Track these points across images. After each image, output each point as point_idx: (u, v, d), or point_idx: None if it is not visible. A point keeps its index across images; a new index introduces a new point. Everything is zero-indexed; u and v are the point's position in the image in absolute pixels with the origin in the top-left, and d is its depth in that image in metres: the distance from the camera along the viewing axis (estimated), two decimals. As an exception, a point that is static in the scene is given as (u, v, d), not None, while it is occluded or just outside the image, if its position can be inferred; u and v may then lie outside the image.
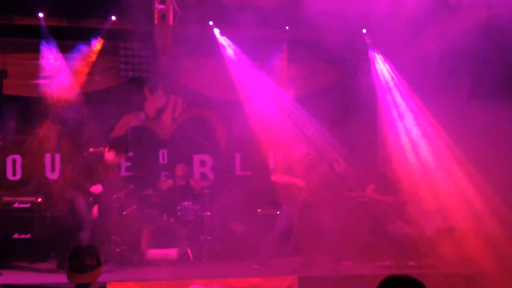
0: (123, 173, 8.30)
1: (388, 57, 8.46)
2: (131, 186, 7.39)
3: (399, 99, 8.40)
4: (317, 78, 8.88)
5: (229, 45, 8.22)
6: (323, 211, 6.79)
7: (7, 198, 7.28)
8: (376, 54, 8.51)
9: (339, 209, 7.06)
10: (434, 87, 7.71)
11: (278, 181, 6.98)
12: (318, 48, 7.93)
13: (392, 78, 8.46)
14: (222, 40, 8.20)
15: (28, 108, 8.08)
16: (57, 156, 8.23)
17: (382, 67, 8.52)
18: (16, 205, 7.17)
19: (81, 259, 3.18)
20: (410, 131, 8.20)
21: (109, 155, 6.72)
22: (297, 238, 6.77)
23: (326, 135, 7.97)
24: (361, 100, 8.46)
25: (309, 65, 8.76)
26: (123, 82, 8.36)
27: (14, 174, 8.16)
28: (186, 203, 7.41)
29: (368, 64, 8.55)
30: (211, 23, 8.01)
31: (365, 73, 8.58)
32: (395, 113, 8.40)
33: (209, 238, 7.32)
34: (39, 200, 7.29)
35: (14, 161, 8.16)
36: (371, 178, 7.55)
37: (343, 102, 8.49)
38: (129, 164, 8.40)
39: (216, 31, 8.13)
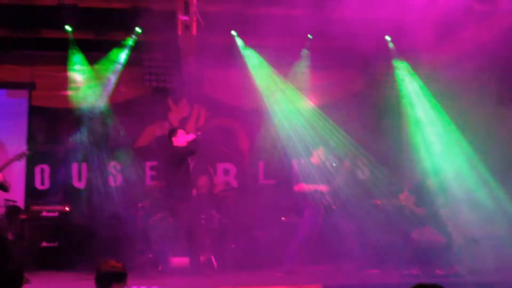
0: (148, 182, 8.39)
1: (414, 64, 8.37)
2: (156, 195, 7.46)
3: (425, 107, 8.29)
4: (341, 86, 8.84)
5: (252, 54, 8.27)
6: (348, 218, 6.73)
7: (35, 207, 7.44)
8: (401, 61, 8.42)
9: (364, 217, 6.99)
10: (461, 93, 7.60)
11: (301, 190, 6.97)
12: (342, 56, 7.91)
13: (418, 86, 8.36)
14: (245, 49, 8.26)
15: (56, 119, 8.28)
16: (84, 166, 8.38)
17: (408, 74, 8.44)
18: (44, 214, 7.32)
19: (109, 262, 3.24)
20: (436, 139, 8.08)
21: None
22: (321, 245, 6.72)
23: (350, 143, 7.92)
24: (386, 108, 8.39)
25: (333, 72, 8.74)
26: (147, 92, 8.48)
27: (42, 183, 8.34)
28: (210, 211, 7.44)
29: (393, 71, 8.47)
30: (233, 32, 8.08)
31: (390, 81, 8.50)
32: (422, 121, 8.31)
33: (233, 246, 7.32)
34: (67, 209, 7.42)
35: (42, 171, 8.35)
36: (403, 186, 7.46)
37: (368, 110, 8.43)
38: (154, 173, 8.50)
39: (239, 40, 8.19)
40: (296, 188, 7.01)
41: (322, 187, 6.79)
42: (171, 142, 6.81)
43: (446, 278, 6.30)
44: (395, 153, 8.47)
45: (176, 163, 6.64)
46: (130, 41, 7.95)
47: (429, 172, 7.55)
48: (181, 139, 6.76)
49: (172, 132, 6.94)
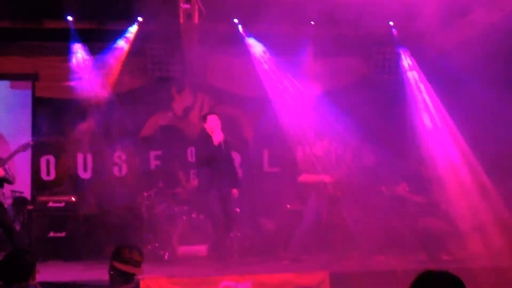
0: (153, 171, 8.41)
1: (417, 50, 8.32)
2: (161, 185, 7.48)
3: (426, 94, 8.26)
4: (344, 72, 8.80)
5: (254, 42, 8.23)
6: (353, 205, 6.73)
7: (42, 198, 7.48)
8: (403, 48, 8.38)
9: (370, 203, 7.00)
10: (464, 79, 7.55)
11: (305, 181, 6.98)
12: (344, 43, 7.86)
13: (420, 72, 8.32)
14: (247, 37, 8.22)
15: (60, 110, 8.28)
16: (89, 156, 8.40)
17: (410, 61, 8.39)
18: (50, 204, 7.34)
19: (134, 253, 3.28)
20: (438, 126, 8.06)
21: None
22: (327, 233, 6.73)
23: (354, 130, 7.89)
24: (389, 94, 8.35)
25: (335, 59, 8.69)
26: (150, 82, 8.47)
27: (48, 174, 8.38)
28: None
29: (396, 57, 8.42)
30: (236, 20, 8.03)
31: (393, 67, 8.46)
32: (423, 108, 8.27)
33: (239, 234, 7.35)
34: (73, 199, 7.46)
35: (48, 162, 8.38)
36: (402, 173, 7.45)
37: (371, 96, 8.39)
38: (158, 162, 8.51)
39: (241, 28, 8.14)
40: (300, 178, 7.01)
41: (326, 175, 6.78)
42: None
43: (452, 263, 6.30)
44: (397, 139, 8.46)
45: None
46: (132, 31, 7.91)
47: (430, 159, 7.54)
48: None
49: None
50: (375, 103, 8.33)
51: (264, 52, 8.22)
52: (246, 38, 8.21)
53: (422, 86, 8.32)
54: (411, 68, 8.39)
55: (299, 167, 7.24)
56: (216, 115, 6.54)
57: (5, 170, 6.18)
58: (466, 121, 7.69)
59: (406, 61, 8.41)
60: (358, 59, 8.74)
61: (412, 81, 8.40)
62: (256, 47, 8.25)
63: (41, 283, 3.29)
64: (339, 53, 8.44)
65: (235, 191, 6.65)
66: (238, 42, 8.16)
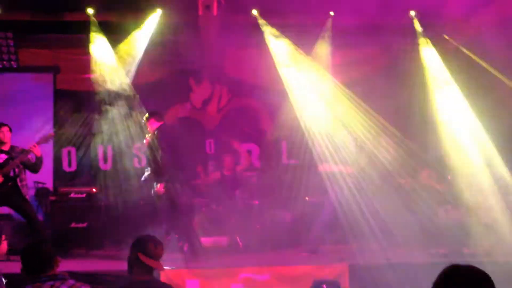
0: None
1: (438, 39, 8.17)
2: (180, 177, 7.51)
3: (448, 84, 8.10)
4: (364, 63, 8.70)
5: (273, 33, 8.17)
6: (373, 197, 6.69)
7: (63, 189, 7.59)
8: (424, 37, 8.23)
9: (390, 196, 6.94)
10: (486, 68, 7.42)
11: (326, 170, 6.94)
12: (364, 33, 7.76)
13: (441, 63, 8.17)
14: (266, 28, 8.17)
15: (81, 102, 8.37)
16: (109, 148, 8.48)
17: (431, 51, 8.24)
18: (72, 195, 7.45)
19: (158, 248, 3.31)
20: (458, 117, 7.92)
21: None
22: (346, 225, 6.71)
23: (374, 121, 7.82)
24: (412, 84, 8.23)
25: (355, 51, 8.59)
26: (169, 74, 8.49)
27: (69, 165, 8.50)
28: (234, 192, 7.47)
29: (417, 48, 8.29)
30: (254, 11, 7.99)
31: (414, 57, 8.33)
32: (445, 99, 8.13)
33: (258, 226, 7.36)
34: (94, 190, 7.55)
35: (69, 153, 8.50)
36: (424, 163, 7.37)
37: (392, 87, 8.29)
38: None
39: (260, 19, 8.09)
40: (320, 168, 6.99)
41: (346, 167, 6.75)
42: None
43: (473, 257, 6.22)
44: (418, 131, 8.35)
45: None
46: (151, 23, 7.92)
47: (451, 149, 7.43)
48: None
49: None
50: (396, 94, 8.23)
51: (282, 43, 8.15)
52: (265, 29, 8.16)
53: (441, 76, 8.16)
54: (431, 57, 8.24)
55: (318, 157, 7.22)
56: None
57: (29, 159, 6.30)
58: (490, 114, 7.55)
59: (428, 50, 8.25)
60: (378, 50, 8.61)
61: (433, 71, 8.27)
62: (275, 38, 8.19)
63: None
64: (358, 44, 8.35)
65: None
66: (256, 33, 8.12)
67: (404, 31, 8.19)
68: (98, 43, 8.00)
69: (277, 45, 8.17)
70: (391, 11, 6.84)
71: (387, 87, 8.21)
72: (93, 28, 7.86)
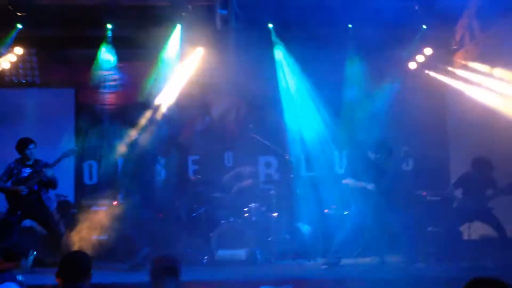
0: (191, 176, 8.52)
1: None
2: (199, 189, 7.57)
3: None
4: (381, 75, 8.66)
5: (290, 45, 8.22)
6: (394, 210, 6.63)
7: (85, 202, 7.69)
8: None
9: (410, 209, 6.87)
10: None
11: (347, 182, 6.93)
12: (379, 44, 7.76)
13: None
14: (283, 41, 8.22)
15: (101, 116, 8.50)
16: (129, 161, 8.55)
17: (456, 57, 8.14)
18: (93, 208, 7.53)
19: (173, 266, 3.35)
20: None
21: None
22: (367, 238, 6.65)
23: (393, 134, 7.78)
24: (433, 95, 8.18)
25: (372, 62, 8.57)
26: (188, 87, 8.56)
27: (90, 179, 8.62)
28: (252, 204, 7.48)
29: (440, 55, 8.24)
30: (270, 25, 8.03)
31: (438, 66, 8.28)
32: (465, 108, 8.04)
33: (277, 238, 7.34)
34: (115, 203, 7.62)
35: (90, 167, 8.62)
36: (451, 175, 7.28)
37: (411, 100, 8.24)
38: (196, 167, 8.62)
39: (277, 33, 8.14)
40: (345, 180, 6.96)
41: (369, 185, 6.69)
42: None
43: (497, 271, 6.11)
44: (438, 143, 8.28)
45: None
46: (170, 37, 8.02)
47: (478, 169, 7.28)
48: None
49: None
50: (415, 108, 8.17)
51: (300, 55, 8.20)
52: (282, 42, 8.21)
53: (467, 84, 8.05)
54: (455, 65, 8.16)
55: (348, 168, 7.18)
56: None
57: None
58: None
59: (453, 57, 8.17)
60: (394, 62, 8.57)
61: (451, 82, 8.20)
62: (291, 51, 8.24)
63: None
64: (375, 55, 8.33)
65: None
66: (274, 46, 8.18)
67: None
68: (118, 58, 8.12)
69: (293, 58, 8.22)
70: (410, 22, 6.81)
71: (407, 100, 8.15)
72: (113, 43, 7.98)
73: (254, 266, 6.95)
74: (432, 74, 8.42)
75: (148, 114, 8.09)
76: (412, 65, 8.51)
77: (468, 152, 7.52)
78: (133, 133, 7.76)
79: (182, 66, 8.20)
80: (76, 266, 3.15)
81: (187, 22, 7.45)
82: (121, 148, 7.74)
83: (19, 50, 8.07)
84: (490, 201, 6.90)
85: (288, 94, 8.46)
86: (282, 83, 8.49)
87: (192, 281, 5.96)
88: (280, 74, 8.45)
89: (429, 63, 8.35)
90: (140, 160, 7.58)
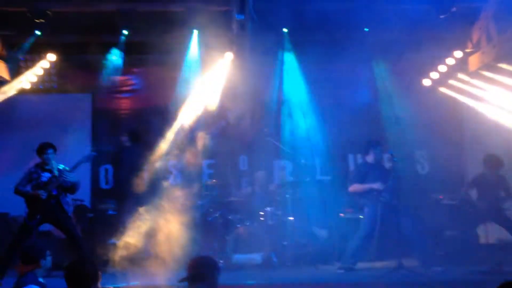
0: (206, 180, 8.54)
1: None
2: (214, 193, 7.60)
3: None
4: (397, 80, 8.64)
5: (305, 49, 8.22)
6: (410, 214, 6.59)
7: (101, 206, 7.76)
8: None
9: (427, 212, 6.83)
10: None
11: (356, 190, 6.92)
12: (397, 48, 7.73)
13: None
14: (297, 45, 8.23)
15: (118, 121, 8.58)
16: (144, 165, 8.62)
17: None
18: (109, 212, 7.60)
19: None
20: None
21: None
22: (383, 242, 6.62)
23: (407, 138, 7.75)
24: (444, 102, 8.12)
25: (389, 65, 8.54)
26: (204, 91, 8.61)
27: (106, 183, 8.70)
28: (268, 208, 7.49)
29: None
30: (285, 30, 8.05)
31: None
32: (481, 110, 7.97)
33: (293, 242, 7.34)
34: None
35: (106, 171, 8.71)
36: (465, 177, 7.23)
37: (426, 103, 8.21)
38: (211, 171, 8.65)
39: (292, 37, 8.16)
40: (351, 188, 6.96)
41: (376, 185, 6.68)
42: None
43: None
44: (453, 146, 8.21)
45: None
46: (187, 43, 8.07)
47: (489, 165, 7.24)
48: None
49: None
50: (430, 110, 8.14)
51: (315, 59, 8.20)
52: (297, 46, 8.22)
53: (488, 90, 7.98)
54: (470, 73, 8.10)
55: (350, 176, 7.20)
56: None
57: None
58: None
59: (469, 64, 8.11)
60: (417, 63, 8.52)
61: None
62: (305, 55, 8.24)
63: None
64: (391, 58, 8.31)
65: None
66: (288, 50, 8.19)
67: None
68: (132, 64, 8.19)
69: (307, 60, 8.22)
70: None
71: (422, 103, 8.11)
72: (129, 49, 8.04)
73: (270, 270, 6.95)
74: (451, 82, 8.35)
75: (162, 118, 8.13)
76: (434, 75, 8.44)
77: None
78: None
79: (207, 72, 8.22)
80: (80, 273, 3.18)
81: (204, 27, 7.48)
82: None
83: (52, 57, 8.18)
84: (503, 203, 6.88)
85: (303, 98, 8.47)
86: (296, 87, 8.50)
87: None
88: (294, 78, 8.46)
89: (447, 74, 8.29)
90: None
